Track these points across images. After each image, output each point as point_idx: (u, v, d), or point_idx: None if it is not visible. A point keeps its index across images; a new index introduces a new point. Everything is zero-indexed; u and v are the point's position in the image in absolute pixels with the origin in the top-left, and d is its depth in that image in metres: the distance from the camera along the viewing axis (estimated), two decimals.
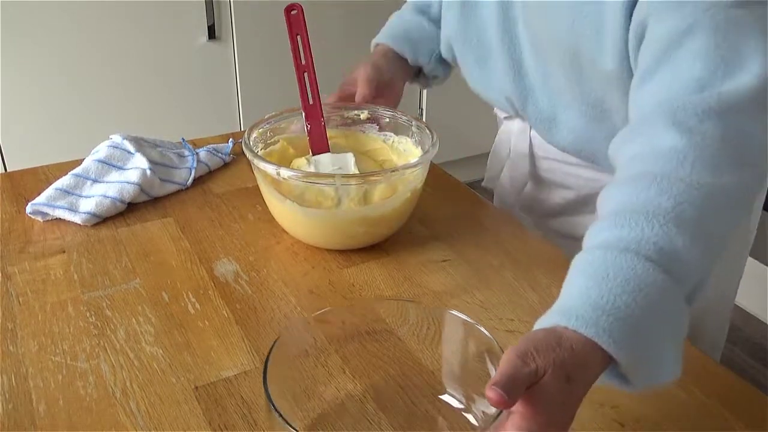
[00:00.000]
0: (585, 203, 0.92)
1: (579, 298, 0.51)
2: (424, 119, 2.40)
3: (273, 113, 0.90)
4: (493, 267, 0.80)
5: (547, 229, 0.98)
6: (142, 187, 0.89)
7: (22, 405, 0.60)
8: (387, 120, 0.92)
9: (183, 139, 1.03)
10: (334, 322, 0.71)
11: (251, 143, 0.83)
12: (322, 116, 0.87)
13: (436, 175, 1.01)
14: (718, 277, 0.85)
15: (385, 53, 0.97)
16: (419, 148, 0.88)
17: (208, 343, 0.68)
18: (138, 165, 0.91)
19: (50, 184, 0.90)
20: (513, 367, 0.46)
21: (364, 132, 0.94)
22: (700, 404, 0.61)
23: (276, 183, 0.80)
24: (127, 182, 0.89)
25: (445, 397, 0.61)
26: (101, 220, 0.87)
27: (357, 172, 0.84)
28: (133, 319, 0.71)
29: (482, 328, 0.57)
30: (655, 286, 0.51)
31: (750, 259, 2.01)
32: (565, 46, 0.76)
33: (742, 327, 2.04)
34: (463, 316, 0.59)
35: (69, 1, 1.82)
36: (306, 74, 0.87)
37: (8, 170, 1.58)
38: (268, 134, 0.89)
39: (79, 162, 0.94)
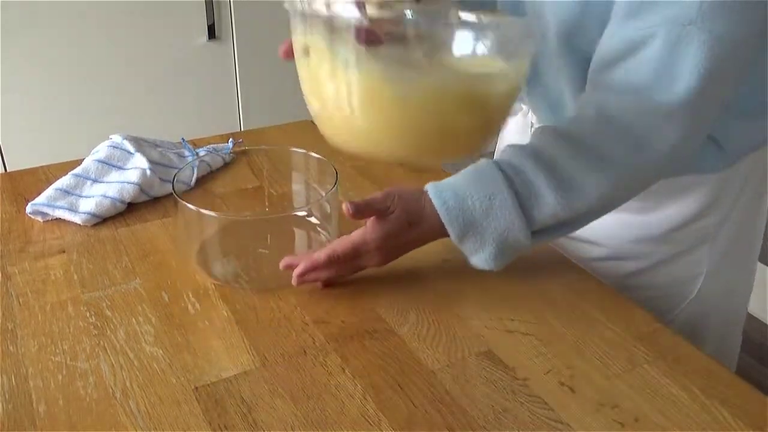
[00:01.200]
0: None
1: (453, 183, 0.71)
2: None
3: None
4: None
5: None
6: (141, 187, 0.89)
7: (22, 405, 0.60)
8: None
9: (183, 139, 1.03)
10: (334, 322, 0.71)
11: None
12: None
13: (436, 175, 1.01)
14: (729, 277, 0.88)
15: None
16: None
17: (208, 343, 0.68)
18: (138, 165, 0.91)
19: (50, 184, 0.90)
20: (374, 198, 0.70)
21: None
22: (700, 404, 0.61)
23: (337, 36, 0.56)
24: (127, 182, 0.89)
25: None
26: (101, 221, 0.87)
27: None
28: (133, 319, 0.71)
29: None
30: (502, 200, 0.68)
31: None
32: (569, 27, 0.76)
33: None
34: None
35: (69, 1, 1.82)
36: None
37: (8, 170, 1.58)
38: None
39: (79, 162, 0.94)
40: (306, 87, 0.63)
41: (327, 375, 0.64)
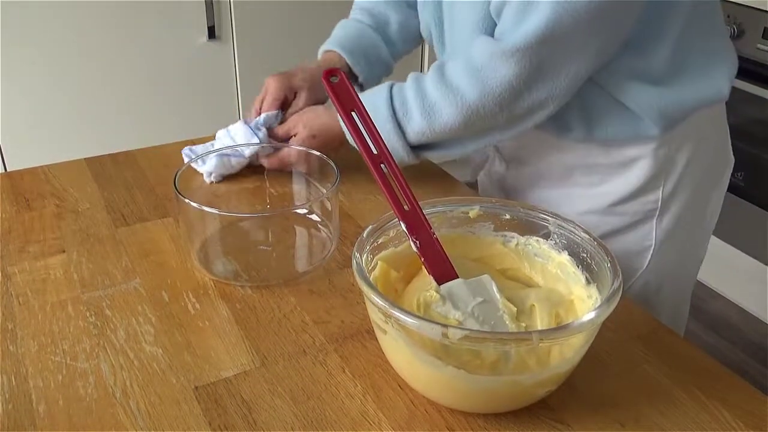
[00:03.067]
0: (540, 177, 0.95)
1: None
2: None
3: (371, 228, 0.66)
4: None
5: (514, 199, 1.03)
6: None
7: (22, 405, 0.60)
8: (507, 216, 0.70)
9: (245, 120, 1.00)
10: (334, 322, 0.71)
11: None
12: (429, 225, 0.64)
13: (436, 175, 1.01)
14: (679, 252, 0.94)
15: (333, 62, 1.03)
16: (564, 252, 0.67)
17: (208, 343, 0.68)
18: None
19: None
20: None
21: (475, 233, 0.71)
22: (700, 404, 0.61)
23: (424, 341, 0.57)
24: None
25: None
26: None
27: (500, 298, 0.62)
28: (133, 319, 0.71)
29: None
30: (382, 112, 0.85)
31: (750, 259, 2.02)
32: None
33: (742, 327, 2.04)
34: None
35: (69, 2, 1.82)
36: (385, 165, 0.65)
37: (8, 170, 1.58)
38: (368, 257, 0.65)
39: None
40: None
41: (327, 375, 0.64)
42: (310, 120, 0.94)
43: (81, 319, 0.71)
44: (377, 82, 1.04)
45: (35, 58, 1.85)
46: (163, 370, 0.64)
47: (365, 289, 0.57)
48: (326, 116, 0.93)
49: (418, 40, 1.06)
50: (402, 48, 1.07)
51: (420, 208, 0.64)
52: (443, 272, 0.63)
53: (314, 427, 0.58)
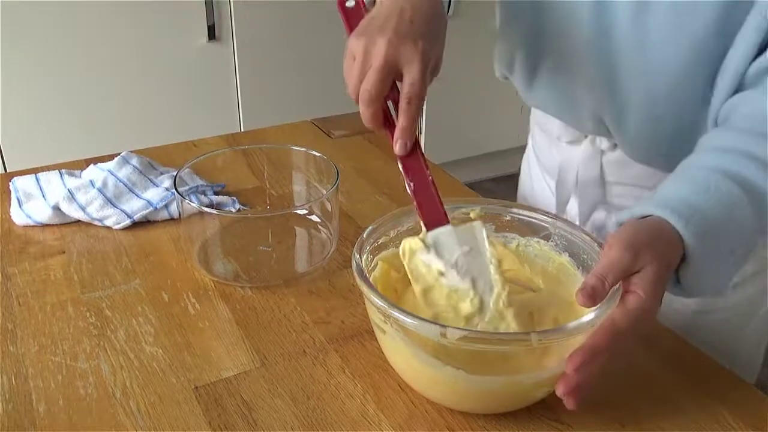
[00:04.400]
0: None
1: (677, 199, 0.59)
2: (424, 120, 2.40)
3: (368, 230, 0.66)
4: None
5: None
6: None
7: (22, 405, 0.60)
8: (508, 218, 0.70)
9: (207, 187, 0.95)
10: (334, 322, 0.71)
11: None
12: (427, 166, 0.62)
13: (436, 175, 1.01)
14: (754, 294, 0.84)
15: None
16: (565, 253, 0.68)
17: (208, 343, 0.68)
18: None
19: (50, 184, 0.89)
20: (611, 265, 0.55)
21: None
22: (700, 404, 0.61)
23: (423, 341, 0.57)
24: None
25: None
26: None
27: (488, 248, 0.62)
28: (133, 320, 0.71)
29: None
30: (742, 213, 0.59)
31: None
32: (690, 45, 0.69)
33: None
34: None
35: (69, 2, 1.82)
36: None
37: (8, 170, 1.58)
38: (368, 258, 0.65)
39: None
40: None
41: (327, 375, 0.64)
42: None
43: (81, 319, 0.71)
44: None
45: (35, 58, 1.85)
46: (163, 370, 0.64)
47: (365, 289, 0.57)
48: None
49: None
50: None
51: (421, 150, 0.62)
52: (435, 218, 0.62)
53: (314, 427, 0.58)
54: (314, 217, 0.84)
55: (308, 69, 2.20)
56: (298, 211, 0.86)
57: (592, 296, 0.54)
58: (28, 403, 0.61)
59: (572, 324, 0.54)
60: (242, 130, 2.12)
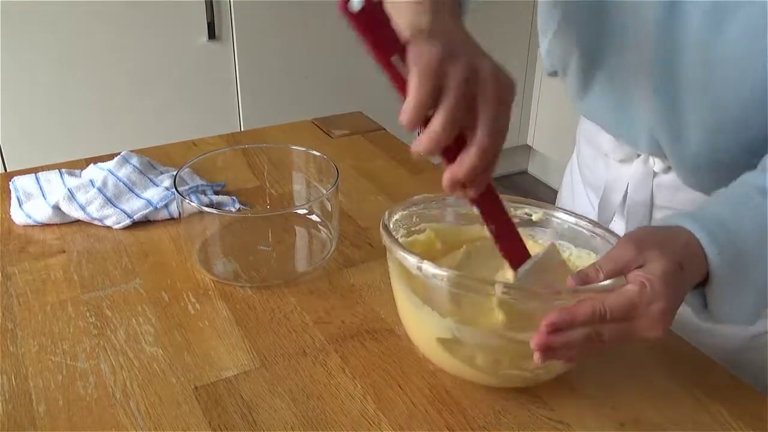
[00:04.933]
0: None
1: (711, 214, 0.57)
2: None
3: (421, 196, 0.69)
4: None
5: None
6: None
7: (22, 405, 0.60)
8: (567, 226, 0.69)
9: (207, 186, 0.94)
10: (334, 322, 0.71)
11: (391, 225, 0.65)
12: (506, 212, 0.60)
13: (436, 174, 1.01)
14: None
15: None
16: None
17: (208, 343, 0.68)
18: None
19: (50, 185, 0.89)
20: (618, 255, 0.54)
21: (534, 237, 0.70)
22: (700, 404, 0.61)
23: (411, 280, 0.61)
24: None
25: None
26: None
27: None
28: (133, 320, 0.71)
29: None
30: None
31: None
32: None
33: None
34: None
35: (69, 1, 1.82)
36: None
37: (8, 170, 1.58)
38: (414, 219, 0.69)
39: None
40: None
41: (327, 375, 0.64)
42: None
43: (81, 319, 0.71)
44: None
45: (35, 58, 1.85)
46: (163, 370, 0.64)
47: (384, 237, 0.61)
48: None
49: None
50: None
51: (497, 193, 0.59)
52: (521, 256, 0.61)
53: (314, 427, 0.58)
54: (314, 217, 0.84)
55: (308, 68, 2.20)
56: (298, 211, 0.86)
57: (584, 282, 0.53)
58: (28, 403, 0.61)
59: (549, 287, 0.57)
60: (242, 129, 2.12)
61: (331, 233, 0.82)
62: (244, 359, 0.66)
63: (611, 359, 0.66)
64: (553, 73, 0.86)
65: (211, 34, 2.02)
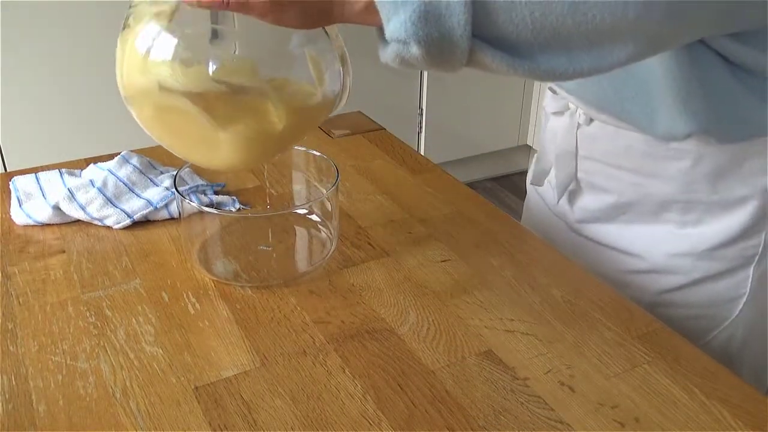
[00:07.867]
0: (623, 210, 0.86)
1: None
2: (423, 120, 2.40)
3: None
4: (493, 267, 0.80)
5: (580, 234, 0.92)
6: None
7: (22, 405, 0.60)
8: None
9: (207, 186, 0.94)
10: (334, 322, 0.71)
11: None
12: None
13: (436, 174, 1.01)
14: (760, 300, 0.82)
15: None
16: None
17: (208, 343, 0.68)
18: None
19: (50, 184, 0.89)
20: None
21: None
22: (700, 404, 0.61)
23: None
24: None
25: None
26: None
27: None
28: (133, 319, 0.71)
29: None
30: None
31: None
32: None
33: None
34: None
35: (69, 2, 1.82)
36: None
37: (8, 170, 1.58)
38: None
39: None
40: None
41: (327, 375, 0.64)
42: None
43: (81, 319, 0.71)
44: None
45: (35, 58, 1.85)
46: (163, 370, 0.64)
47: None
48: None
49: None
50: None
51: None
52: None
53: (314, 427, 0.58)
54: (314, 217, 0.84)
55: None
56: (298, 211, 0.86)
57: None
58: (28, 403, 0.61)
59: None
60: None
61: (331, 233, 0.83)
62: (244, 359, 0.66)
63: (611, 359, 0.66)
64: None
65: (212, 34, 2.02)
